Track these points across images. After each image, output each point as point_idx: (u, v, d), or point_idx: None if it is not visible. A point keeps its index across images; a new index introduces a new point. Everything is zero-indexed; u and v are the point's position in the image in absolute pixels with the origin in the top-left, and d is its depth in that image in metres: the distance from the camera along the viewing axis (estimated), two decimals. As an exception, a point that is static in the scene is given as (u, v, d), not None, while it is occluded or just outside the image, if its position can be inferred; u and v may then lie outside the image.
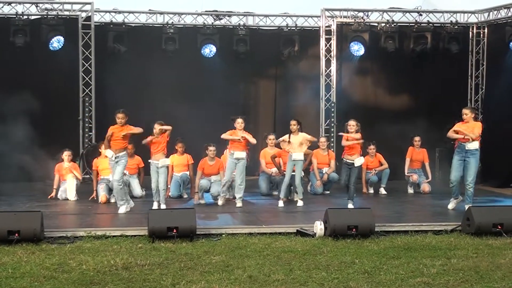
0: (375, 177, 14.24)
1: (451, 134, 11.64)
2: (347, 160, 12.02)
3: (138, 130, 11.40)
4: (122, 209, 11.21)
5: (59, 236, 9.53)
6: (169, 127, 11.47)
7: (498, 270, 7.96)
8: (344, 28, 16.94)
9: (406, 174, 14.45)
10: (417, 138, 14.51)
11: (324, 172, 14.18)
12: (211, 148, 12.45)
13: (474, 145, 11.42)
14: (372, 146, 14.37)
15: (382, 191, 14.24)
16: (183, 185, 13.37)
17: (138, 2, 16.84)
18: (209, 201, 12.68)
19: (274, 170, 13.40)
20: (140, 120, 14.21)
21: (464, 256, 8.63)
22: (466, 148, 11.45)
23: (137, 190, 13.22)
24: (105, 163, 12.44)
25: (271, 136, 13.71)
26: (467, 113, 11.54)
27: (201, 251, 8.81)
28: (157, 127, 11.41)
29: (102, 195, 12.59)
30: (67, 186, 12.99)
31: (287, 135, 12.01)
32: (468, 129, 11.43)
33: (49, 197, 12.90)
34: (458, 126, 11.59)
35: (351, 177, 11.93)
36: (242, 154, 12.13)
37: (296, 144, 11.93)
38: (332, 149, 15.93)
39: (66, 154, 13.09)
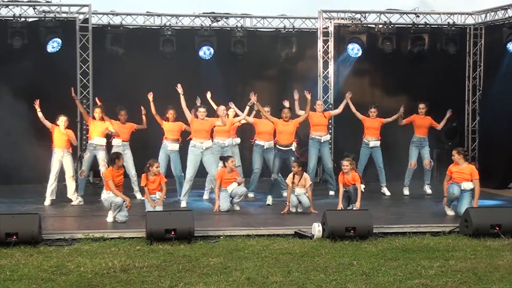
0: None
1: (445, 186, 11.73)
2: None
3: (127, 198, 11.07)
4: (110, 217, 11.08)
5: (57, 239, 9.54)
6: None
7: (496, 271, 7.98)
8: (341, 29, 16.94)
9: (412, 141, 14.43)
10: (421, 105, 14.45)
11: (322, 138, 14.13)
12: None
13: (470, 185, 11.47)
14: (373, 109, 14.35)
15: (386, 191, 14.27)
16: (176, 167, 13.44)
17: (136, 4, 16.87)
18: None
19: (267, 143, 13.39)
20: (137, 121, 14.30)
21: (462, 258, 8.64)
22: (462, 188, 11.49)
23: (130, 168, 13.39)
24: (98, 126, 13.26)
25: (267, 109, 13.55)
26: (454, 154, 11.65)
27: (199, 253, 8.81)
28: (155, 170, 11.37)
29: (82, 170, 13.38)
30: (67, 185, 12.98)
31: (291, 175, 11.97)
32: (465, 176, 11.49)
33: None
34: (452, 168, 11.64)
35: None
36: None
37: (300, 183, 11.93)
38: (331, 151, 15.94)
39: (62, 120, 13.02)
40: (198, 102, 13.06)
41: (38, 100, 13.02)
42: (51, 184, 12.90)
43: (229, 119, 13.48)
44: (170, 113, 13.45)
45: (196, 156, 12.61)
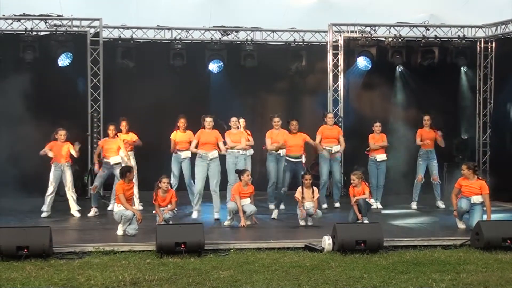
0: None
1: (453, 199, 11.70)
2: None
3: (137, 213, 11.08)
4: (120, 231, 11.08)
5: (67, 252, 9.55)
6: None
7: (507, 284, 7.93)
8: (351, 43, 16.98)
9: (419, 154, 14.40)
10: (426, 117, 14.46)
11: (333, 149, 14.13)
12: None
13: (479, 199, 11.43)
14: (378, 124, 14.38)
15: (378, 205, 14.22)
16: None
17: (146, 18, 16.90)
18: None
19: (282, 151, 13.34)
20: (148, 135, 14.36)
21: (473, 271, 8.59)
22: (472, 202, 11.45)
23: None
24: (112, 143, 13.28)
25: (276, 119, 13.59)
26: (463, 168, 11.62)
27: (209, 266, 8.80)
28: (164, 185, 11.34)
29: (94, 185, 13.35)
30: (69, 199, 13.10)
31: (300, 189, 11.99)
32: (474, 190, 11.43)
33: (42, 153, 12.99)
34: (461, 182, 11.61)
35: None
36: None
37: (309, 196, 11.95)
38: (341, 165, 15.93)
39: (60, 134, 13.07)
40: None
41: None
42: (50, 195, 13.00)
43: (242, 132, 13.52)
44: (181, 122, 13.50)
45: (203, 167, 12.59)
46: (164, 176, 11.47)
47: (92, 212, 13.17)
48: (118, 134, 13.63)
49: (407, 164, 14.91)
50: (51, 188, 13.04)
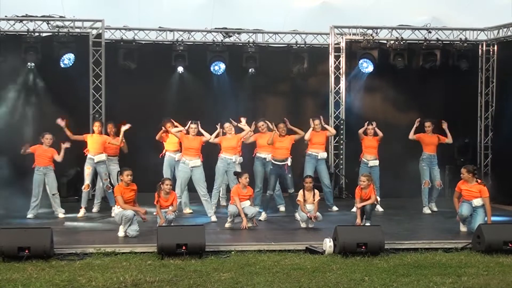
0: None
1: (455, 202, 11.70)
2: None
3: (140, 209, 11.10)
4: (121, 232, 11.07)
5: (68, 253, 9.56)
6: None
7: (509, 288, 7.93)
8: (353, 45, 16.97)
9: (422, 159, 14.23)
10: (427, 124, 14.32)
11: (319, 155, 14.07)
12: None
13: (480, 201, 11.40)
14: (371, 126, 14.31)
15: (379, 208, 14.17)
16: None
17: (148, 20, 16.91)
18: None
19: (268, 156, 13.26)
20: (149, 137, 14.35)
21: (474, 274, 8.59)
22: (473, 206, 11.44)
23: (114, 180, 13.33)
24: (97, 140, 13.33)
25: (260, 123, 13.55)
26: (463, 172, 11.61)
27: (210, 268, 8.80)
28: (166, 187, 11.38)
29: (86, 184, 13.27)
30: (52, 202, 13.14)
31: (301, 191, 11.99)
32: (474, 193, 11.41)
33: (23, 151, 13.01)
34: (461, 186, 11.60)
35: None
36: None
37: (310, 199, 11.95)
38: (342, 167, 15.92)
39: (47, 137, 13.08)
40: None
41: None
42: (35, 201, 13.01)
43: (236, 135, 13.41)
44: (169, 126, 13.45)
45: (185, 173, 12.67)
46: (167, 178, 11.53)
47: (81, 212, 13.19)
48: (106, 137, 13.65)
49: (407, 167, 14.90)
50: (35, 193, 13.02)
